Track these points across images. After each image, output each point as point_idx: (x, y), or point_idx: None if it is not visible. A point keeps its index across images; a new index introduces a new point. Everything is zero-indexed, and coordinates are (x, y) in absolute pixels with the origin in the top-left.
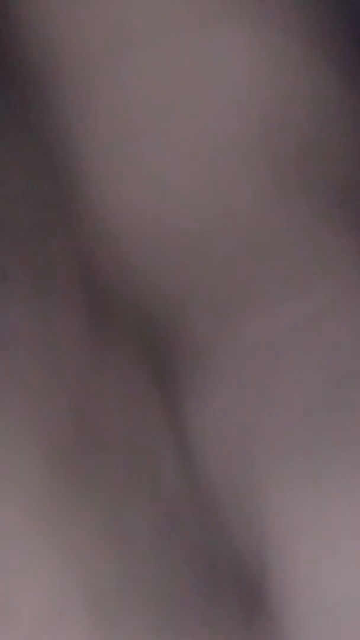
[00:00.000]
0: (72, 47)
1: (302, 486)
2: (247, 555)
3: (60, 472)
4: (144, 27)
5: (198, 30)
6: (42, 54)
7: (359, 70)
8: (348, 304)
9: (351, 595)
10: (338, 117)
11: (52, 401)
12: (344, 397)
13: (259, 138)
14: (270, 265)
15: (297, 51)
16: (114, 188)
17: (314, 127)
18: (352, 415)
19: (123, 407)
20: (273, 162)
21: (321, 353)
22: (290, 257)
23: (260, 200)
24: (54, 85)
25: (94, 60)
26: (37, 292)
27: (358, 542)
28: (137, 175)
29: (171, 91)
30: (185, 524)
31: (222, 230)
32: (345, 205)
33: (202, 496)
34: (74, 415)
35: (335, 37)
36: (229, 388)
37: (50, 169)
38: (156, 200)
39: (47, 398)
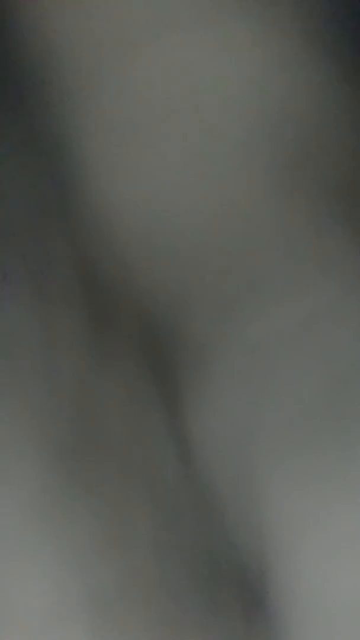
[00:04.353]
0: (72, 46)
1: (302, 486)
2: (247, 555)
3: (60, 473)
4: (144, 26)
5: (198, 28)
6: (42, 53)
7: (359, 69)
8: (348, 304)
9: (352, 596)
10: (338, 116)
11: (52, 402)
12: (344, 396)
13: (259, 137)
14: (270, 265)
15: (298, 50)
16: (113, 188)
17: (314, 126)
18: (352, 415)
19: (123, 408)
20: (273, 161)
21: (321, 353)
22: (290, 257)
23: (261, 200)
24: (54, 85)
25: (94, 59)
26: (37, 292)
27: (358, 542)
28: (137, 174)
29: (171, 90)
30: (185, 524)
31: (222, 230)
32: (346, 204)
33: (202, 496)
34: (74, 416)
35: (335, 37)
36: (229, 388)
37: (50, 169)
38: (156, 200)
39: (47, 399)
